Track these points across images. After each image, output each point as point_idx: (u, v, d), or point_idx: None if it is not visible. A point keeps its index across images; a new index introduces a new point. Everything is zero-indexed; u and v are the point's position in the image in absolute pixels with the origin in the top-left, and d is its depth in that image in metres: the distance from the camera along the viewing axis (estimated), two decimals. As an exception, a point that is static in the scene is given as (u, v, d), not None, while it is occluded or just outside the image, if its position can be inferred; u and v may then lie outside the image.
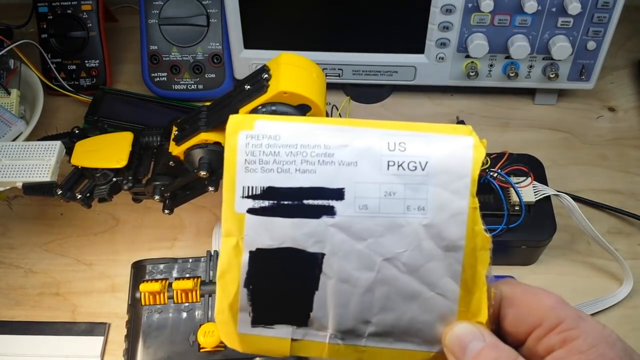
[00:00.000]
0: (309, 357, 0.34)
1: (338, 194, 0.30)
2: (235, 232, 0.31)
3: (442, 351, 0.31)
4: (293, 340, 0.32)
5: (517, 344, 0.30)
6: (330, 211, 0.30)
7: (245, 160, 0.30)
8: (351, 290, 0.31)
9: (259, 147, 0.31)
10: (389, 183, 0.30)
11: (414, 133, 0.31)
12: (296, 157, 0.30)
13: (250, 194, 0.30)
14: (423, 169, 0.30)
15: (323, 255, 0.30)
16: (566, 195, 0.57)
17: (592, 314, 0.56)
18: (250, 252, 0.31)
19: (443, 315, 0.31)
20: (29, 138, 0.65)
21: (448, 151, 0.30)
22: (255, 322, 0.31)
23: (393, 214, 0.30)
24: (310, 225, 0.30)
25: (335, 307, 0.31)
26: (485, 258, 0.31)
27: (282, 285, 0.31)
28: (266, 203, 0.30)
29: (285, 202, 0.30)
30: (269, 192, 0.30)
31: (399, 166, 0.30)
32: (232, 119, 0.31)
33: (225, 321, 0.31)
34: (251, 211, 0.30)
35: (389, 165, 0.30)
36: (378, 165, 0.30)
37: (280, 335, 0.32)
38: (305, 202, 0.30)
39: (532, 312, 0.30)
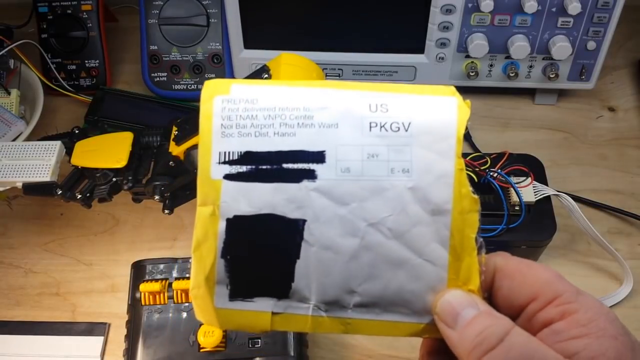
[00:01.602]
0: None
1: (319, 157, 0.29)
2: (211, 200, 0.29)
3: (432, 322, 0.30)
4: (274, 313, 0.30)
5: (511, 317, 0.29)
6: (311, 175, 0.29)
7: (222, 125, 0.29)
8: (334, 257, 0.29)
9: (235, 111, 0.29)
10: (371, 145, 0.29)
11: (396, 94, 0.30)
12: (274, 120, 0.29)
13: (227, 159, 0.29)
14: (406, 130, 0.29)
15: (304, 221, 0.29)
16: (566, 195, 0.57)
17: (592, 314, 0.56)
18: (228, 219, 0.29)
19: (432, 283, 0.29)
20: (29, 138, 0.65)
21: (432, 111, 0.29)
22: (234, 296, 0.30)
23: (377, 177, 0.29)
24: (290, 190, 0.29)
25: (318, 276, 0.29)
26: (474, 221, 0.29)
27: (262, 255, 0.29)
28: (244, 168, 0.29)
29: (264, 167, 0.29)
30: (246, 157, 0.29)
31: (381, 127, 0.29)
32: (207, 83, 0.30)
33: (201, 296, 0.30)
34: (228, 177, 0.29)
35: (370, 127, 0.29)
36: (360, 127, 0.29)
37: (260, 309, 0.30)
38: (284, 166, 0.29)
39: (527, 284, 0.29)
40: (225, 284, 0.30)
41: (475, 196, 0.29)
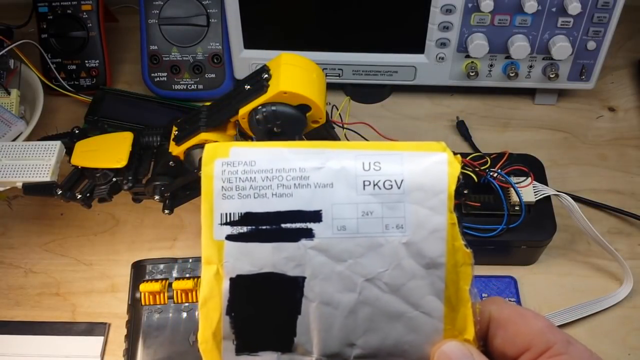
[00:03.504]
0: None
1: (315, 216, 0.30)
2: (215, 260, 0.30)
3: None
4: None
5: None
6: (308, 234, 0.30)
7: (222, 187, 0.30)
8: (334, 312, 0.30)
9: (234, 173, 0.30)
10: (366, 203, 0.30)
11: (387, 152, 0.31)
12: (272, 182, 0.30)
13: (228, 220, 0.30)
14: (399, 187, 0.30)
15: (304, 278, 0.30)
16: (566, 195, 0.57)
17: (592, 314, 0.56)
18: (231, 279, 0.30)
19: (428, 334, 0.30)
20: (29, 138, 0.65)
21: (423, 168, 0.30)
22: (240, 350, 0.31)
23: (372, 234, 0.30)
24: (289, 249, 0.30)
25: (319, 330, 0.31)
26: (468, 273, 0.30)
27: (265, 311, 0.31)
28: (244, 229, 0.30)
29: (264, 227, 0.30)
30: (246, 218, 0.30)
31: (374, 185, 0.30)
32: (207, 147, 0.31)
33: (209, 350, 0.31)
34: (230, 238, 0.30)
35: (364, 185, 0.30)
36: (354, 186, 0.30)
37: None
38: (283, 226, 0.30)
39: (520, 335, 0.30)
40: (231, 340, 0.31)
41: (468, 250, 0.30)
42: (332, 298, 0.30)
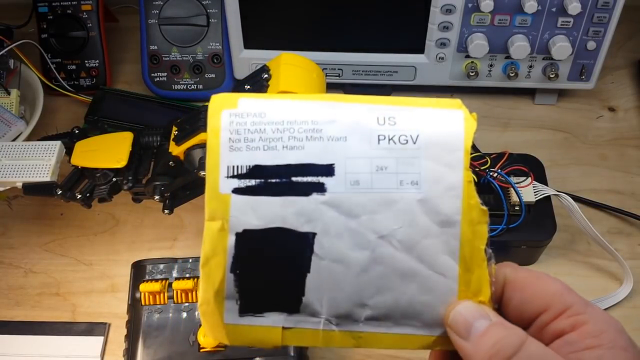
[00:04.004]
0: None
1: (328, 170, 0.29)
2: (220, 215, 0.29)
3: (443, 334, 0.30)
4: (284, 328, 0.30)
5: (521, 328, 0.29)
6: (320, 188, 0.29)
7: (230, 139, 0.29)
8: (345, 271, 0.29)
9: (243, 125, 0.29)
10: (380, 157, 0.29)
11: (403, 107, 0.30)
12: (283, 134, 0.29)
13: (235, 173, 0.29)
14: (414, 143, 0.29)
15: (314, 234, 0.29)
16: (566, 195, 0.57)
17: (592, 314, 0.56)
18: (237, 234, 0.29)
19: (443, 295, 0.29)
20: (29, 138, 0.65)
21: (439, 124, 0.29)
22: (244, 311, 0.29)
23: (386, 189, 0.29)
24: (299, 204, 0.29)
25: (329, 290, 0.29)
26: (483, 232, 0.30)
27: (272, 269, 0.29)
28: (253, 182, 0.29)
29: (273, 181, 0.29)
30: (255, 171, 0.29)
31: (389, 140, 0.29)
32: (214, 98, 0.30)
33: (210, 312, 0.29)
34: (237, 191, 0.29)
35: (379, 140, 0.29)
36: (368, 140, 0.29)
37: (270, 324, 0.30)
38: (293, 179, 0.29)
39: (537, 296, 0.29)
40: (235, 299, 0.29)
41: (484, 207, 0.29)
42: (343, 255, 0.29)
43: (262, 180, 0.29)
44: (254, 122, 0.29)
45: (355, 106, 0.30)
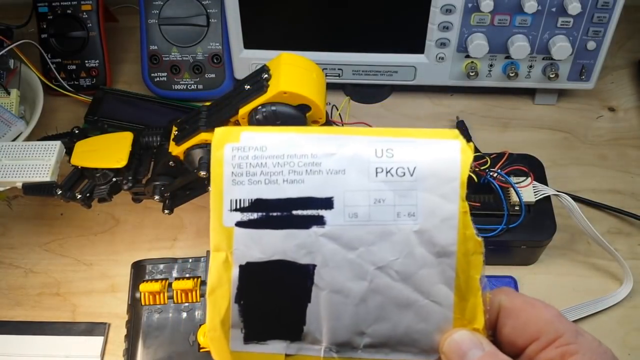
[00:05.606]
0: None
1: (327, 203, 0.30)
2: (224, 247, 0.30)
3: None
4: (287, 355, 0.31)
5: (514, 355, 0.30)
6: (320, 221, 0.30)
7: (232, 172, 0.30)
8: (344, 301, 0.30)
9: (245, 159, 0.30)
10: (378, 190, 0.30)
11: (400, 139, 0.31)
12: (283, 168, 0.30)
13: (238, 206, 0.30)
14: (411, 175, 0.30)
15: (314, 266, 0.30)
16: (566, 195, 0.57)
17: (592, 314, 0.56)
18: (240, 266, 0.30)
19: (438, 323, 0.30)
20: (29, 138, 0.65)
21: (435, 155, 0.30)
22: (248, 339, 0.31)
23: (383, 222, 0.30)
24: (300, 237, 0.30)
25: (329, 319, 0.30)
26: (478, 262, 0.30)
27: (274, 299, 0.31)
28: (255, 215, 0.30)
29: (274, 214, 0.30)
30: (257, 204, 0.30)
31: (387, 172, 0.30)
32: (217, 131, 0.31)
33: (217, 339, 0.31)
34: (240, 224, 0.30)
35: (377, 172, 0.30)
36: (366, 173, 0.30)
37: (273, 352, 0.31)
38: (294, 212, 0.30)
39: (530, 324, 0.30)
40: (239, 328, 0.31)
41: (479, 238, 0.30)
42: (342, 286, 0.30)
43: (264, 214, 0.30)
44: (255, 156, 0.30)
45: (354, 139, 0.31)
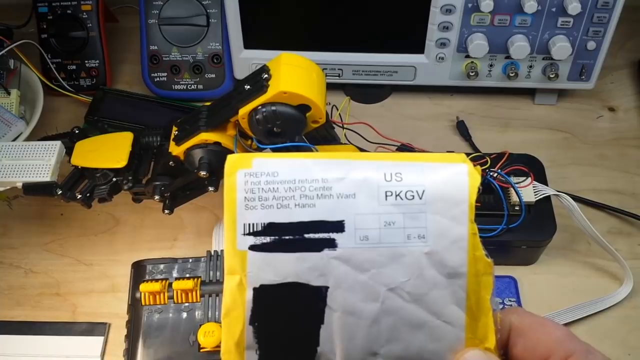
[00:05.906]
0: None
1: (338, 227, 0.30)
2: (239, 270, 0.31)
3: None
4: None
5: None
6: (331, 244, 0.30)
7: (245, 197, 0.31)
8: (357, 322, 0.31)
9: (257, 184, 0.31)
10: (388, 213, 0.30)
11: (409, 163, 0.31)
12: (295, 192, 0.31)
13: (251, 230, 0.31)
14: (421, 198, 0.31)
15: (327, 288, 0.31)
16: (566, 195, 0.57)
17: (592, 314, 0.56)
18: (254, 289, 0.31)
19: (450, 343, 0.31)
20: (29, 138, 0.65)
21: (444, 179, 0.31)
22: None
23: (394, 244, 0.30)
24: (312, 259, 0.30)
25: (342, 340, 0.31)
26: (489, 283, 0.31)
27: (288, 321, 0.31)
28: (268, 239, 0.31)
29: (287, 237, 0.31)
30: (270, 228, 0.31)
31: (396, 196, 0.31)
32: (230, 158, 0.32)
33: None
34: (253, 248, 0.31)
35: (386, 196, 0.31)
36: (376, 196, 0.31)
37: None
38: (306, 236, 0.30)
39: (541, 343, 0.30)
40: (254, 350, 0.31)
41: (489, 259, 0.31)
42: (355, 307, 0.31)
43: (277, 238, 0.31)
44: (267, 182, 0.31)
45: (363, 163, 0.31)
